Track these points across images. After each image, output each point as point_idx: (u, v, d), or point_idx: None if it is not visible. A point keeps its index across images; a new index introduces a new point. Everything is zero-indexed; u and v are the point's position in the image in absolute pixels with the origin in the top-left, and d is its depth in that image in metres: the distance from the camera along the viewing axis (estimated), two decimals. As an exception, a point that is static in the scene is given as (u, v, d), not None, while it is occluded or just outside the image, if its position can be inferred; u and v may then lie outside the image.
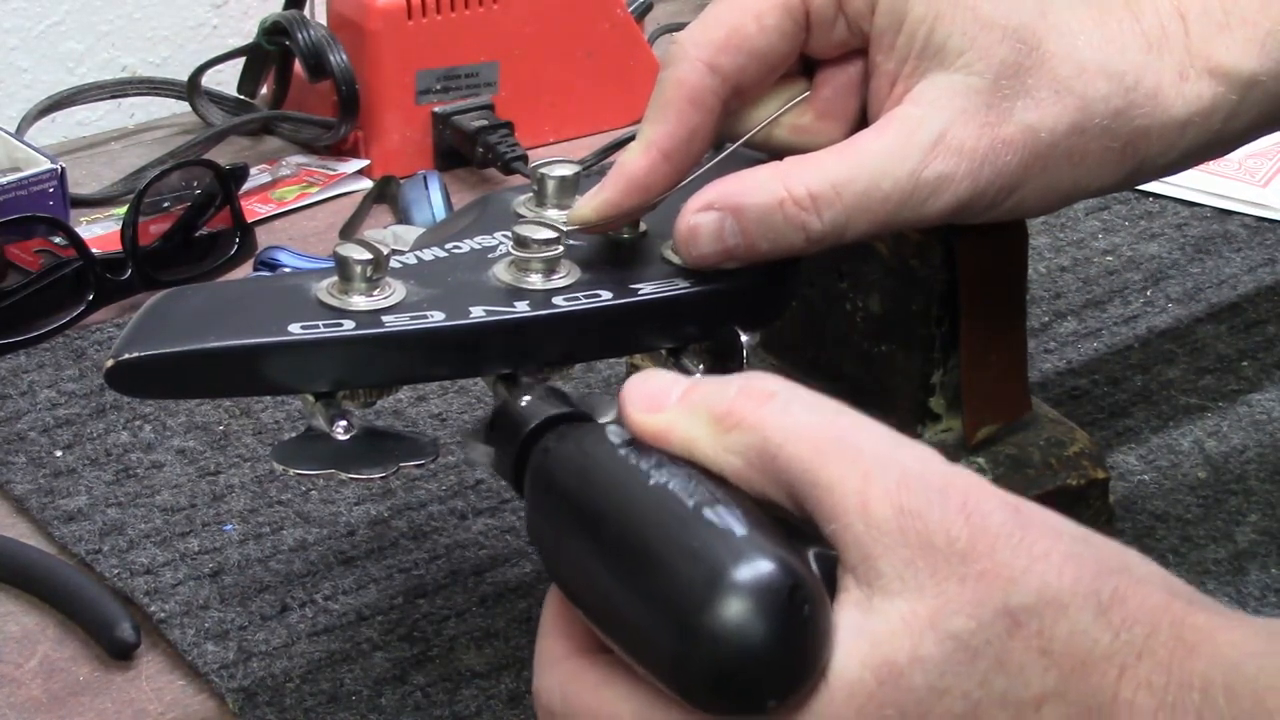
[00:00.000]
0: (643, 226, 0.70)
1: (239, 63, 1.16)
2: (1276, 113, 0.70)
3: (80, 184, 1.08)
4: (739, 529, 0.53)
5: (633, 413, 0.57)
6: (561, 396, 0.63)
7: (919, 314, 0.74)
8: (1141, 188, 1.06)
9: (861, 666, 0.52)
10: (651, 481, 0.55)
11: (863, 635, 0.53)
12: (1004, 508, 0.53)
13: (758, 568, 0.52)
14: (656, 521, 0.54)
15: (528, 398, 0.62)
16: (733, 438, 0.55)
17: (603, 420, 0.60)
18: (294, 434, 0.70)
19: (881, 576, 0.53)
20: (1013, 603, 0.52)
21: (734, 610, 0.51)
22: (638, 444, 0.57)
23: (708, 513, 0.53)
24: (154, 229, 0.98)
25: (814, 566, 0.54)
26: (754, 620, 0.51)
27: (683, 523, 0.53)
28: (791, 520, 0.55)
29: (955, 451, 0.75)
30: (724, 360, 0.68)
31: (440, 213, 1.02)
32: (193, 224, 0.99)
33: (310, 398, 0.64)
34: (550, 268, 0.66)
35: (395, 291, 0.65)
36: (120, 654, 0.74)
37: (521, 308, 0.65)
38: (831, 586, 0.54)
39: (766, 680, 0.52)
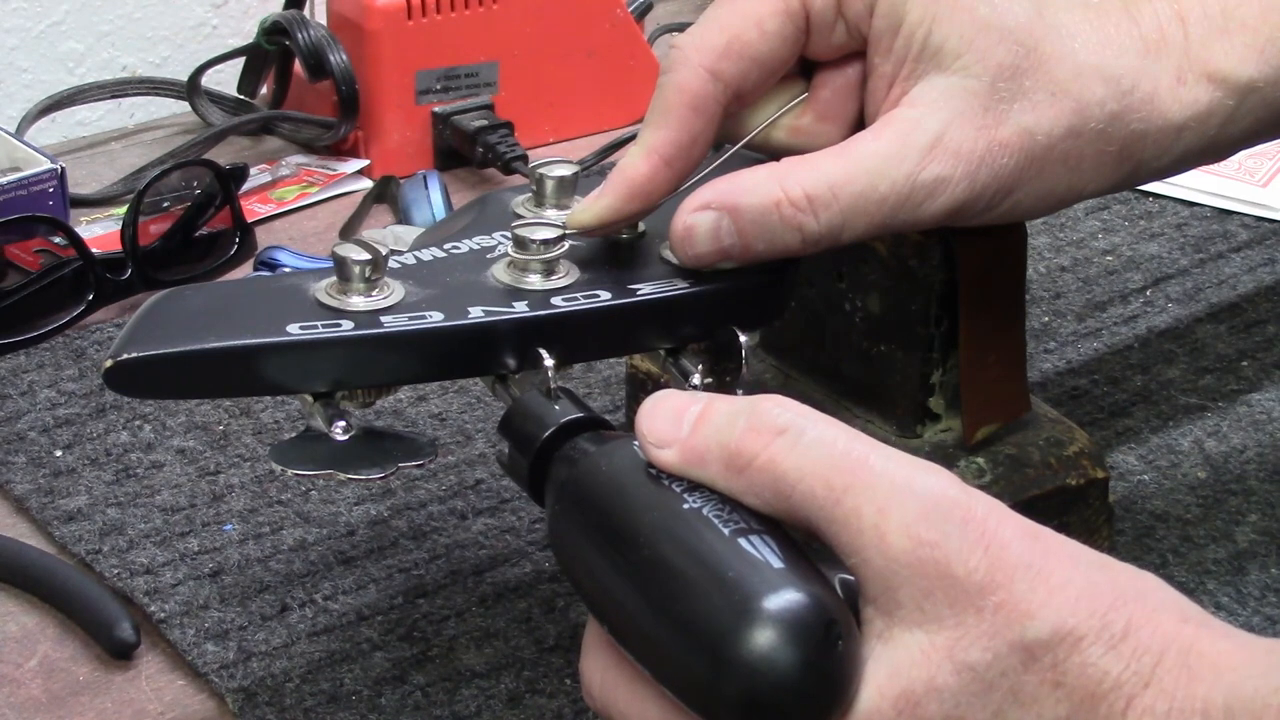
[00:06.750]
0: (641, 227, 0.70)
1: (239, 63, 1.16)
2: (1273, 120, 0.70)
3: (80, 184, 1.08)
4: (775, 561, 0.53)
5: (647, 448, 0.57)
6: (575, 398, 0.62)
7: (918, 314, 0.74)
8: (1142, 188, 1.06)
9: (880, 696, 0.53)
10: (686, 506, 0.55)
11: (882, 665, 0.53)
12: (1023, 537, 0.53)
13: (795, 600, 0.52)
14: (692, 547, 0.54)
15: (544, 398, 0.62)
16: (745, 480, 0.55)
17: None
18: (293, 434, 0.69)
19: (901, 607, 0.53)
20: (1029, 637, 0.52)
21: (771, 640, 0.52)
22: None
23: (743, 542, 0.53)
24: (154, 229, 0.98)
25: (839, 592, 0.54)
26: (791, 652, 0.52)
27: (719, 550, 0.53)
28: (816, 544, 0.55)
29: (955, 451, 0.75)
30: (723, 360, 0.68)
31: (440, 213, 1.02)
32: (193, 224, 0.99)
33: (309, 398, 0.64)
34: (549, 268, 0.66)
35: (394, 292, 0.65)
36: (120, 654, 0.74)
37: (520, 308, 0.65)
38: (854, 611, 0.54)
39: (797, 712, 0.52)
